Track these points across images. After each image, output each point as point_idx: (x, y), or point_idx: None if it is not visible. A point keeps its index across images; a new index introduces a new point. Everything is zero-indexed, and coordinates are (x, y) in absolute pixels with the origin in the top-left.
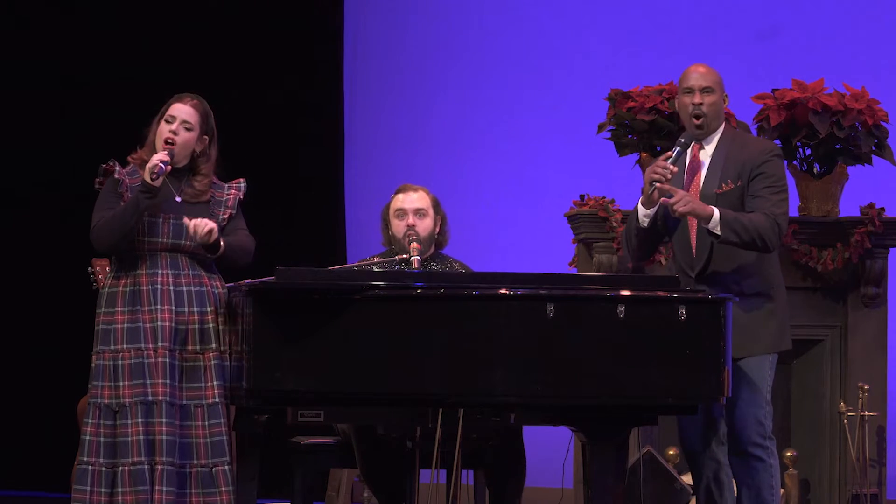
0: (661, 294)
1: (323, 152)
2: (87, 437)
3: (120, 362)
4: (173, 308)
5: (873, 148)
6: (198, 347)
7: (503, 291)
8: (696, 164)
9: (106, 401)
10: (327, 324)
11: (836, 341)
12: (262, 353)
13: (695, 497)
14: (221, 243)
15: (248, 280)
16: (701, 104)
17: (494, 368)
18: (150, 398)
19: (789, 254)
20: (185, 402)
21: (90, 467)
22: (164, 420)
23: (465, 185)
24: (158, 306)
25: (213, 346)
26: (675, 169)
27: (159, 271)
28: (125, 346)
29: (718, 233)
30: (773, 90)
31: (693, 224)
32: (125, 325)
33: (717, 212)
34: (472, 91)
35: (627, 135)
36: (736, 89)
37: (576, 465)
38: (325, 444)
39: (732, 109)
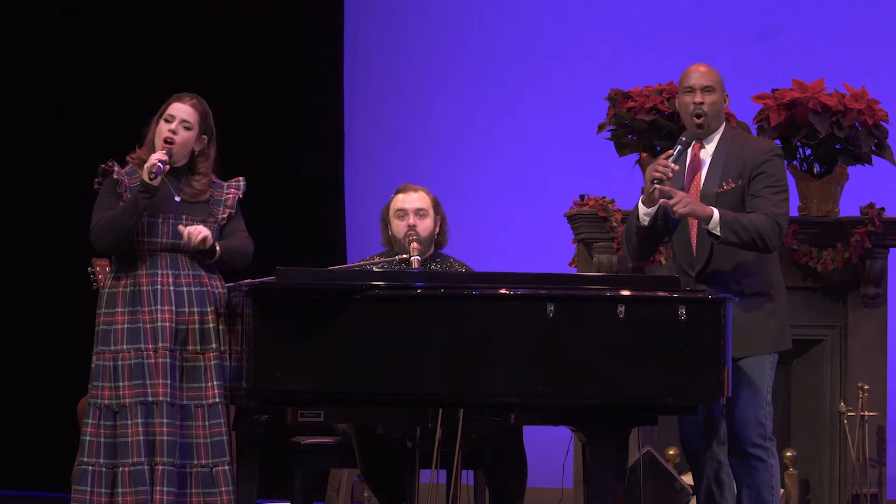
0: (661, 294)
1: (323, 152)
2: (88, 438)
3: (120, 363)
4: (174, 308)
5: (873, 148)
6: (198, 347)
7: (503, 291)
8: (696, 163)
9: (106, 401)
10: (327, 324)
11: (836, 341)
12: (262, 353)
13: (695, 497)
14: (217, 248)
15: (248, 280)
16: (702, 103)
17: (494, 368)
18: (150, 399)
19: (789, 254)
20: (185, 402)
21: (90, 468)
22: (164, 420)
23: (465, 185)
24: (159, 307)
25: (214, 346)
26: (677, 168)
27: (159, 272)
28: (125, 346)
29: (718, 233)
30: (773, 90)
31: (693, 224)
32: (125, 326)
33: (716, 212)
34: (472, 91)
35: (627, 135)
36: (736, 89)
37: (576, 465)
38: (325, 444)
39: (732, 109)
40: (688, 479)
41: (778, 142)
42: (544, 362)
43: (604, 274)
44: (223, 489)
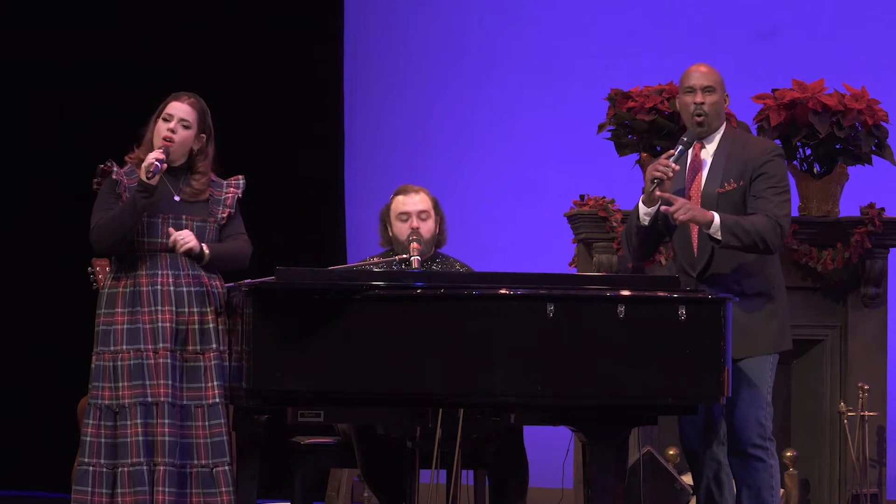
0: (661, 294)
1: (323, 152)
2: (88, 438)
3: (119, 363)
4: (174, 309)
5: (873, 148)
6: (198, 348)
7: (503, 291)
8: (697, 163)
9: (106, 402)
10: (327, 324)
11: (836, 341)
12: (262, 353)
13: (695, 497)
14: (206, 251)
15: (248, 280)
16: (702, 103)
17: (494, 368)
18: (150, 399)
19: (789, 254)
20: (185, 402)
21: (91, 468)
22: (165, 421)
23: (466, 185)
24: (159, 307)
25: (213, 346)
26: (677, 168)
27: (159, 272)
28: (125, 346)
29: (719, 238)
30: (773, 90)
31: (694, 224)
32: (125, 326)
33: (717, 217)
34: (472, 91)
35: (627, 135)
36: (736, 89)
37: (576, 465)
38: (325, 444)
39: (732, 109)
40: (688, 479)
41: (778, 142)
42: (544, 362)
43: (604, 274)
44: (223, 489)
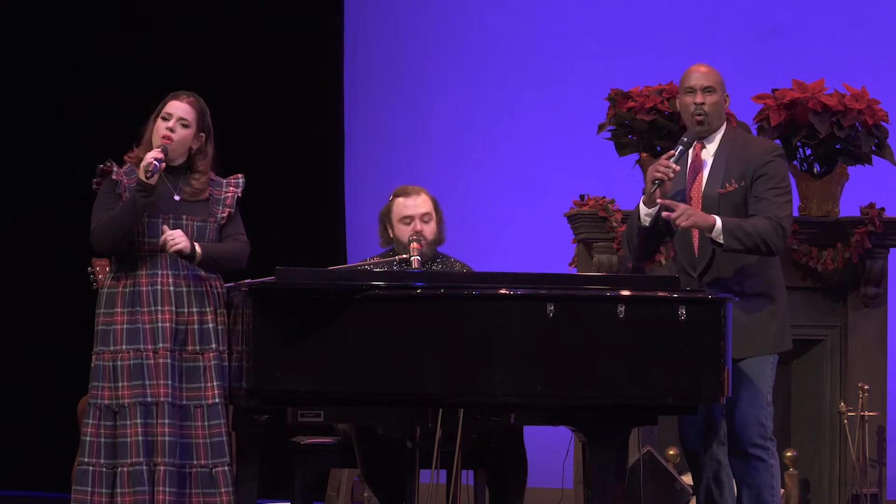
0: (661, 294)
1: (323, 152)
2: (88, 438)
3: (119, 363)
4: (174, 309)
5: (873, 148)
6: (197, 348)
7: (503, 291)
8: (698, 163)
9: (106, 401)
10: (327, 324)
11: (836, 341)
12: (262, 353)
13: (695, 497)
14: (198, 251)
15: (248, 280)
16: (703, 104)
17: (494, 368)
18: (150, 399)
19: (789, 254)
20: (184, 402)
21: (90, 468)
22: (165, 421)
23: (466, 186)
24: (159, 307)
25: (213, 346)
26: (678, 168)
27: (159, 272)
28: (124, 346)
29: (722, 241)
30: (773, 90)
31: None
32: (124, 326)
33: (719, 221)
34: (472, 91)
35: (627, 135)
36: (736, 89)
37: (576, 465)
38: (325, 444)
39: (732, 109)
40: (688, 479)
41: (778, 141)
42: (544, 362)
43: (604, 274)
44: (223, 490)
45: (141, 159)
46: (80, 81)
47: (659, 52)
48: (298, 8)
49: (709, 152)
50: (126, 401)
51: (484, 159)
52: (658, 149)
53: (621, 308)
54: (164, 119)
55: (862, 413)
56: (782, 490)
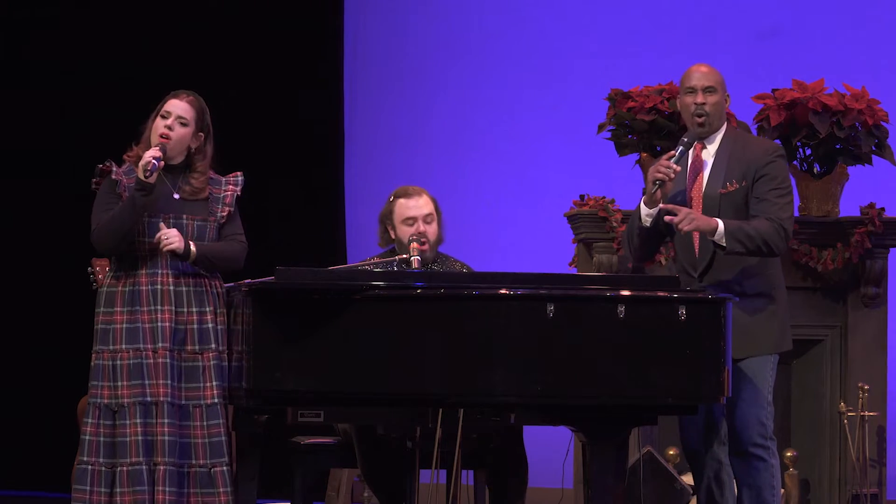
0: (661, 294)
1: (323, 152)
2: (87, 437)
3: (118, 362)
4: (173, 308)
5: (873, 148)
6: (196, 347)
7: (503, 291)
8: (698, 164)
9: (105, 401)
10: (327, 324)
11: (836, 341)
12: (262, 353)
13: (695, 497)
14: (193, 250)
15: (248, 280)
16: (703, 104)
17: (494, 368)
18: (149, 399)
19: (789, 254)
20: (183, 402)
21: (90, 467)
22: (165, 421)
23: (466, 186)
24: (158, 307)
25: (212, 346)
26: (678, 168)
27: (159, 271)
28: (124, 346)
29: (724, 244)
30: (773, 90)
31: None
32: (124, 326)
33: (721, 224)
34: (472, 91)
35: (627, 135)
36: (736, 89)
37: (576, 465)
38: (325, 444)
39: (732, 109)
40: (688, 479)
41: (778, 141)
42: (544, 362)
43: (604, 274)
44: (221, 490)
45: (140, 158)
46: (80, 81)
47: (659, 52)
48: (298, 8)
49: (709, 152)
50: (125, 400)
51: (484, 159)
52: (658, 149)
53: (621, 308)
54: (163, 117)
55: (862, 413)
56: (782, 490)
